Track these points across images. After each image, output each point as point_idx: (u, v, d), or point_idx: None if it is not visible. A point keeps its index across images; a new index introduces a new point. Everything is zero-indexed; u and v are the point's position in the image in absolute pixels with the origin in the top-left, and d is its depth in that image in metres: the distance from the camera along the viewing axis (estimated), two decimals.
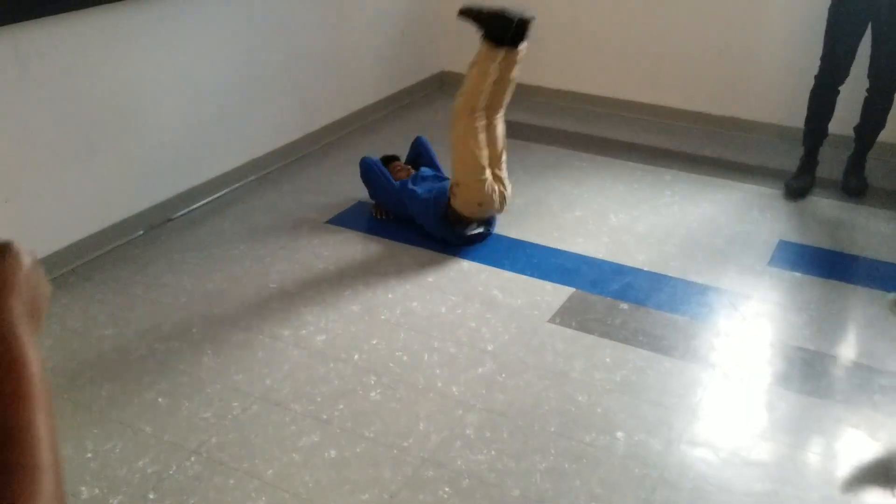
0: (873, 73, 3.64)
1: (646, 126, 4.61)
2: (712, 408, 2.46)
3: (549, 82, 4.89)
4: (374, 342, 2.75)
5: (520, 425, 2.37)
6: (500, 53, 3.15)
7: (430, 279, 3.12)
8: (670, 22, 4.51)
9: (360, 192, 3.70)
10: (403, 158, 3.81)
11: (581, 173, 4.04)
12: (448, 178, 3.43)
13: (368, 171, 3.59)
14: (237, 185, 3.90)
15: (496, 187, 3.26)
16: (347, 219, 3.60)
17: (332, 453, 2.27)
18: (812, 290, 3.06)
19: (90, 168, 3.21)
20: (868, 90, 3.70)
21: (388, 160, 3.72)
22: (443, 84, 5.27)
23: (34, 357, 0.73)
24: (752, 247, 3.35)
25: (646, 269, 3.19)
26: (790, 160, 3.95)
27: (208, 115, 3.69)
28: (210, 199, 3.76)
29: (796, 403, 2.48)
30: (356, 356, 2.68)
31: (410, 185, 3.43)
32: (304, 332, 2.81)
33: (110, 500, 2.12)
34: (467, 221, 3.31)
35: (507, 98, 3.29)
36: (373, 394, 2.51)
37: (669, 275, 3.15)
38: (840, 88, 3.72)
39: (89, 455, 2.27)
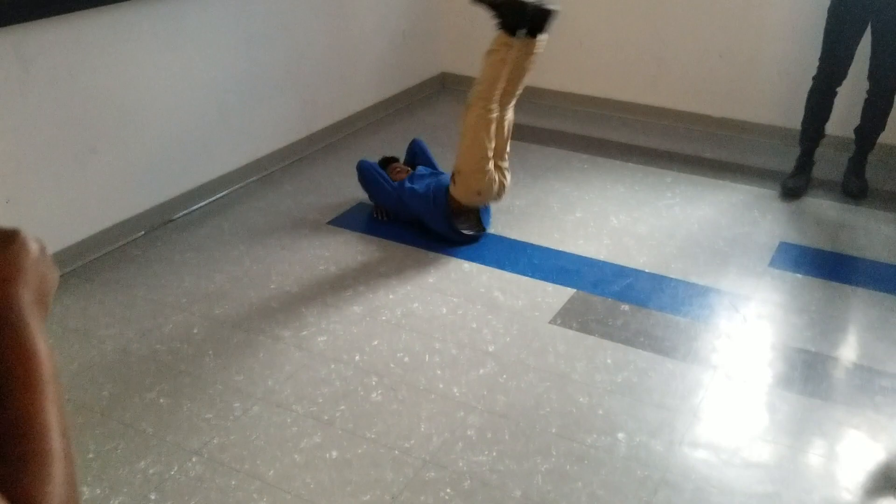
0: (873, 74, 3.64)
1: (646, 128, 4.62)
2: (714, 409, 2.46)
3: (550, 84, 4.89)
4: (376, 343, 2.75)
5: (521, 427, 2.37)
6: (515, 44, 3.10)
7: (431, 280, 3.12)
8: (671, 24, 4.51)
9: (361, 193, 3.70)
10: (402, 160, 3.82)
11: (582, 175, 4.04)
12: (445, 173, 3.44)
13: (365, 173, 3.60)
14: (238, 185, 3.90)
15: (497, 177, 3.27)
16: (348, 220, 3.60)
17: (334, 454, 2.27)
18: (813, 291, 3.06)
19: (91, 169, 3.20)
20: (868, 92, 3.70)
21: (387, 162, 3.72)
22: (444, 85, 5.28)
23: (43, 346, 0.74)
24: (752, 248, 3.35)
25: (647, 270, 3.19)
26: (791, 162, 3.95)
27: (209, 115, 3.69)
28: (211, 199, 3.76)
29: (797, 405, 2.48)
30: (357, 357, 2.68)
31: (408, 184, 3.44)
32: (305, 333, 2.81)
33: (111, 501, 2.12)
34: (465, 210, 3.32)
35: (520, 88, 3.28)
36: (374, 395, 2.51)
37: (670, 276, 3.15)
38: (838, 90, 3.72)
39: (91, 455, 2.27)
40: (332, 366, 2.64)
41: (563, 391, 2.52)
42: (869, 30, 3.58)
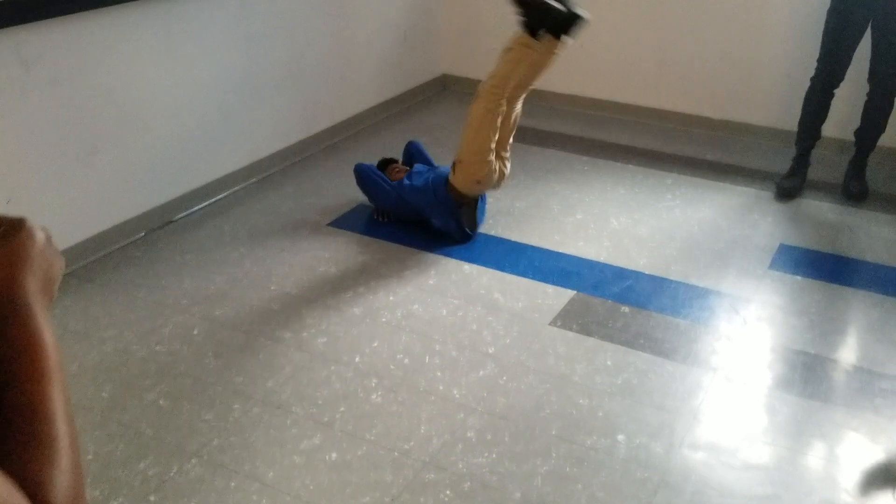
0: (873, 77, 3.65)
1: (647, 130, 4.62)
2: (713, 411, 2.46)
3: (550, 86, 4.88)
4: (376, 345, 2.75)
5: (521, 428, 2.37)
6: (535, 46, 3.08)
7: (431, 282, 3.12)
8: (671, 26, 4.52)
9: (362, 195, 3.70)
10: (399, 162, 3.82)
11: (582, 177, 4.05)
12: (442, 167, 3.45)
13: (363, 176, 3.60)
14: (238, 187, 3.90)
15: (497, 166, 3.28)
16: (349, 221, 3.60)
17: (333, 456, 2.27)
18: (813, 293, 3.06)
19: (92, 170, 3.21)
20: (868, 94, 3.71)
21: (385, 164, 3.73)
22: (444, 86, 5.28)
23: (48, 334, 0.75)
24: (753, 250, 3.35)
25: (647, 272, 3.19)
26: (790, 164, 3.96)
27: (210, 117, 3.69)
28: (211, 201, 3.76)
29: (797, 407, 2.47)
30: (357, 359, 2.68)
31: (406, 181, 3.45)
32: (305, 334, 2.81)
33: (111, 502, 2.12)
34: (465, 201, 3.33)
35: (534, 84, 3.28)
36: (374, 396, 2.51)
37: (671, 278, 3.15)
38: (836, 92, 3.73)
39: (90, 457, 2.27)
40: (332, 367, 2.64)
41: (563, 393, 2.52)
42: (869, 32, 3.58)
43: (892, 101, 3.66)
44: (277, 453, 2.28)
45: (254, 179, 3.98)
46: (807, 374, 2.62)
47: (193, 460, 2.26)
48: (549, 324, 2.86)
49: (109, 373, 2.62)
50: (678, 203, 3.76)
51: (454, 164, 3.28)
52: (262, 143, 4.01)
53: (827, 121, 3.86)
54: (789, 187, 3.82)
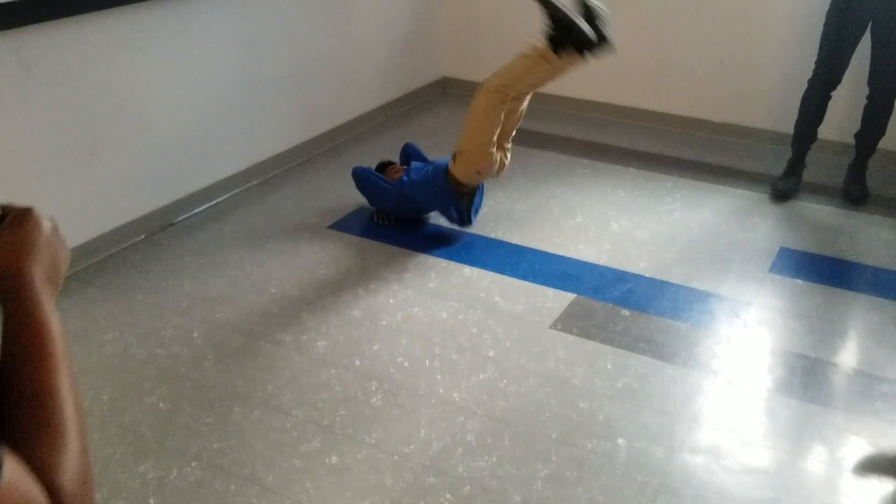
0: (873, 79, 3.65)
1: (647, 133, 4.62)
2: (714, 415, 2.46)
3: (551, 89, 4.87)
4: (376, 348, 2.75)
5: (521, 432, 2.37)
6: (554, 61, 3.03)
7: (431, 285, 3.12)
8: (672, 30, 4.52)
9: (362, 197, 3.70)
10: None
11: (582, 180, 4.05)
12: (440, 159, 3.46)
13: (362, 178, 3.60)
14: (239, 189, 3.90)
15: (498, 157, 3.29)
16: (349, 224, 3.60)
17: (333, 459, 2.27)
18: (813, 297, 3.06)
19: (92, 172, 3.21)
20: (868, 97, 3.71)
21: (384, 166, 3.73)
22: (445, 89, 5.28)
23: (54, 321, 0.76)
24: (753, 254, 3.35)
25: (647, 275, 3.19)
26: None
27: (210, 119, 3.69)
28: (211, 203, 3.76)
29: (797, 411, 2.47)
30: (357, 362, 2.68)
31: (405, 178, 3.47)
32: (305, 337, 2.81)
33: None
34: (464, 191, 3.35)
35: (544, 88, 3.27)
36: (374, 400, 2.51)
37: (671, 281, 3.15)
38: (832, 94, 3.73)
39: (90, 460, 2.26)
40: (332, 370, 2.64)
41: (563, 396, 2.52)
42: (868, 35, 3.58)
43: (893, 104, 3.66)
44: (277, 456, 2.28)
45: (254, 182, 3.98)
46: (807, 377, 2.61)
47: (193, 463, 2.26)
48: (550, 327, 2.86)
49: (109, 375, 2.62)
50: (678, 206, 3.76)
51: (455, 154, 3.29)
52: (262, 145, 4.01)
53: (827, 124, 3.86)
54: (785, 189, 3.83)
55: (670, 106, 4.65)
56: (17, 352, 0.73)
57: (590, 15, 3.00)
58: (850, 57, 3.63)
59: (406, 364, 2.67)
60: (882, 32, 3.53)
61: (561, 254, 3.35)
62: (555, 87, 4.86)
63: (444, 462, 2.25)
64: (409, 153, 3.80)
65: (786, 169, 3.92)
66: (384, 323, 2.89)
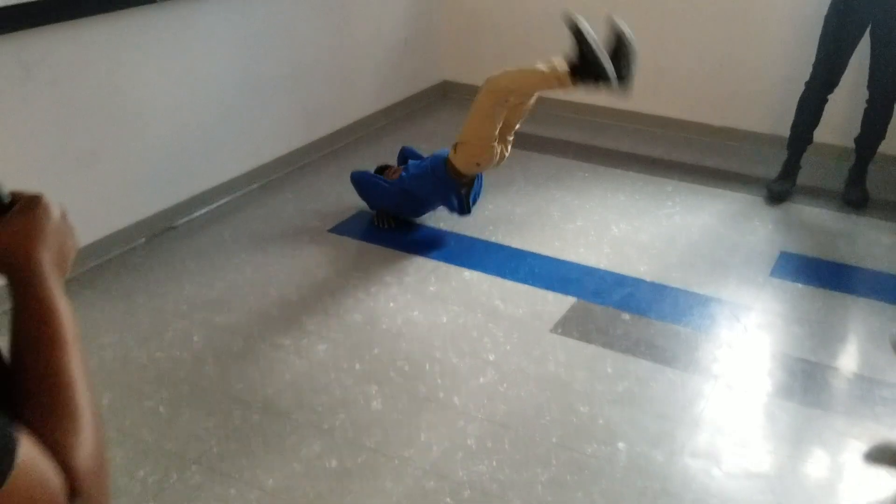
0: (873, 84, 3.65)
1: (647, 136, 4.62)
2: (714, 419, 2.45)
3: (551, 92, 4.90)
4: (376, 351, 2.75)
5: (521, 436, 2.37)
6: (569, 84, 3.02)
7: (431, 288, 3.12)
8: (672, 33, 4.52)
9: (362, 201, 3.70)
10: None
11: (583, 183, 4.05)
12: (438, 151, 3.48)
13: (361, 181, 3.61)
14: (239, 193, 3.90)
15: (499, 150, 3.29)
16: (349, 227, 3.60)
17: (334, 463, 2.27)
18: (814, 301, 3.05)
19: (92, 175, 3.21)
20: (868, 101, 3.71)
21: (382, 169, 3.73)
22: (445, 93, 5.28)
23: (64, 304, 0.77)
24: (753, 257, 3.35)
25: (647, 279, 3.19)
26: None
27: (211, 122, 3.69)
28: (212, 207, 3.76)
29: (798, 415, 2.47)
30: (357, 365, 2.68)
31: (405, 174, 3.49)
32: (305, 340, 2.81)
33: None
34: (463, 181, 3.35)
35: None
36: (374, 403, 2.50)
37: (671, 285, 3.15)
38: (829, 97, 3.73)
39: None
40: (332, 374, 2.64)
41: (563, 400, 2.51)
42: (867, 39, 3.58)
43: (892, 108, 3.66)
44: (277, 460, 2.28)
45: (254, 185, 3.98)
46: (807, 382, 2.61)
47: (193, 467, 2.25)
48: (550, 331, 2.86)
49: (109, 379, 2.62)
50: (678, 210, 3.76)
51: (456, 144, 3.30)
52: (262, 148, 4.01)
53: (827, 127, 3.86)
54: (780, 191, 3.84)
55: (670, 109, 4.65)
56: (28, 336, 0.74)
57: (619, 51, 2.99)
58: (848, 59, 3.63)
59: (406, 368, 2.67)
60: (881, 35, 3.53)
61: (561, 257, 3.35)
62: (556, 92, 4.87)
63: (444, 466, 2.25)
64: (407, 156, 3.81)
65: (781, 171, 3.92)
66: (384, 326, 2.89)
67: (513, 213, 3.72)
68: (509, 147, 3.37)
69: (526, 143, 4.31)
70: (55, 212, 0.83)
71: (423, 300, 3.04)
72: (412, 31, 4.91)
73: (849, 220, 3.69)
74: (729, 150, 4.42)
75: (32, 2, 2.81)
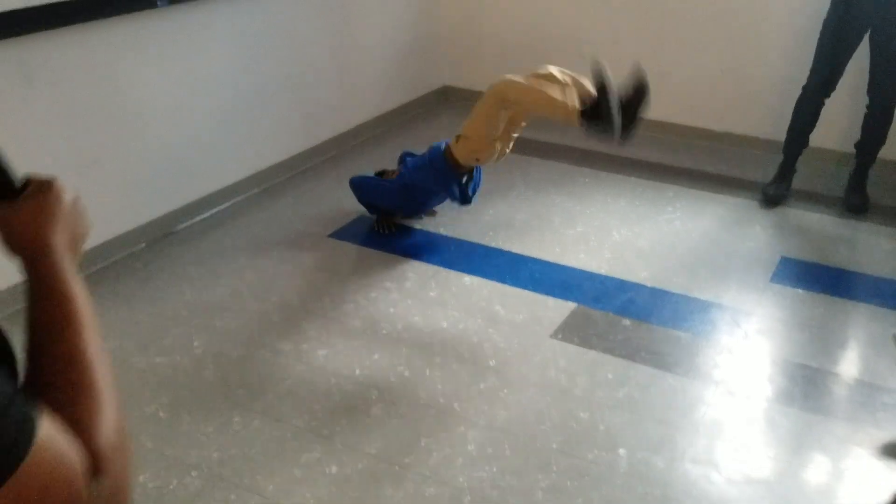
0: (872, 88, 3.65)
1: (648, 142, 4.61)
2: (715, 425, 2.45)
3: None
4: (376, 357, 2.75)
5: (522, 442, 2.37)
6: (574, 121, 2.99)
7: (432, 294, 3.12)
8: (673, 39, 4.53)
9: (362, 206, 3.70)
10: None
11: (583, 189, 4.05)
12: (437, 143, 3.49)
13: (361, 184, 3.61)
14: (239, 198, 3.90)
15: (499, 146, 3.30)
16: (350, 232, 3.60)
17: (333, 469, 2.26)
18: (814, 307, 3.05)
19: (92, 180, 3.21)
20: (868, 106, 3.71)
21: (382, 173, 3.73)
22: (445, 98, 5.29)
23: (78, 288, 0.78)
24: (754, 263, 3.35)
25: (648, 284, 3.19)
26: (791, 175, 3.96)
27: (211, 127, 3.70)
28: (212, 211, 3.76)
29: (799, 421, 2.47)
30: (358, 371, 2.68)
31: (404, 170, 3.50)
32: (305, 346, 2.81)
33: None
34: (460, 168, 3.35)
35: None
36: (374, 409, 2.50)
37: (672, 291, 3.14)
38: (826, 101, 3.73)
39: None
40: (333, 380, 2.63)
41: (563, 406, 2.51)
42: (867, 44, 3.58)
43: (892, 113, 3.66)
44: (277, 466, 2.27)
45: (255, 190, 3.98)
46: (808, 387, 2.61)
47: (193, 473, 2.25)
48: (550, 336, 2.86)
49: None
50: (679, 215, 3.76)
51: (458, 137, 3.30)
52: (263, 153, 4.02)
53: (827, 133, 3.86)
54: (774, 194, 3.84)
55: (671, 115, 4.65)
56: (45, 318, 0.75)
57: (633, 101, 3.01)
58: (846, 64, 3.63)
59: (406, 373, 2.66)
60: (881, 40, 3.53)
61: (562, 263, 3.35)
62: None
63: (444, 472, 2.25)
64: (406, 158, 3.81)
65: (776, 174, 3.92)
66: (384, 332, 2.89)
67: (513, 218, 3.72)
68: (510, 145, 3.37)
69: (527, 148, 4.31)
70: (68, 195, 0.85)
71: (423, 305, 3.04)
72: (413, 35, 4.91)
73: (849, 226, 3.69)
74: (730, 155, 4.42)
75: (34, 7, 2.81)
